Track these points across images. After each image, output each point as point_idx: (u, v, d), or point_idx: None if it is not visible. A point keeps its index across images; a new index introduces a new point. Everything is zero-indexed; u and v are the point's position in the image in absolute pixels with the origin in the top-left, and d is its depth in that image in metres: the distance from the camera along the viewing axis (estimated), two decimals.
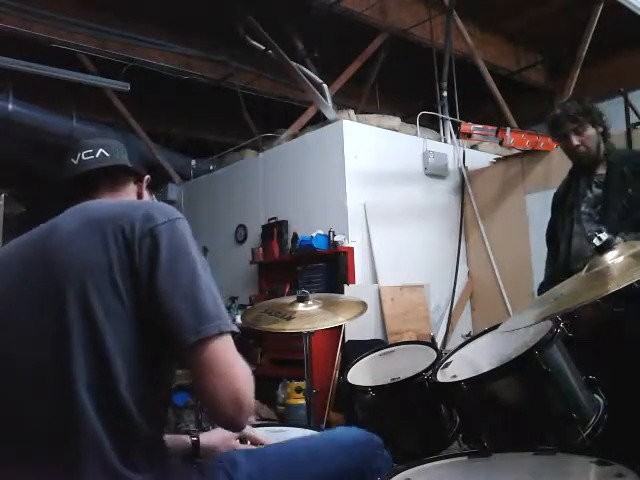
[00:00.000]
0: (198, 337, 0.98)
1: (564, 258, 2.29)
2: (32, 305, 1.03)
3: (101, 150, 1.27)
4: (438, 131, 5.75)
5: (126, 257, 1.01)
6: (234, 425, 1.06)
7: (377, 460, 1.25)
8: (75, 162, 1.26)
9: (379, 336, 4.38)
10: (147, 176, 1.34)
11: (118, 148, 1.31)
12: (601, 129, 2.28)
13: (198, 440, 1.28)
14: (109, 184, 1.26)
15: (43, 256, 1.05)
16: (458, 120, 5.61)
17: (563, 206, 2.38)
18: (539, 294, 2.29)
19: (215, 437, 1.32)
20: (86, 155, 1.26)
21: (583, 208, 2.29)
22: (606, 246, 1.42)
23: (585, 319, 1.83)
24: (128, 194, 1.29)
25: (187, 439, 1.28)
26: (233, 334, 1.04)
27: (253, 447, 1.33)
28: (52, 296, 1.01)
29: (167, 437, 1.11)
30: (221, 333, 1.00)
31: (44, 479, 0.96)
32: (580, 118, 2.24)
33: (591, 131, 2.26)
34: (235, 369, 1.01)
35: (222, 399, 0.99)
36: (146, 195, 1.33)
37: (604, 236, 1.43)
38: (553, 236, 2.42)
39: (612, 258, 1.39)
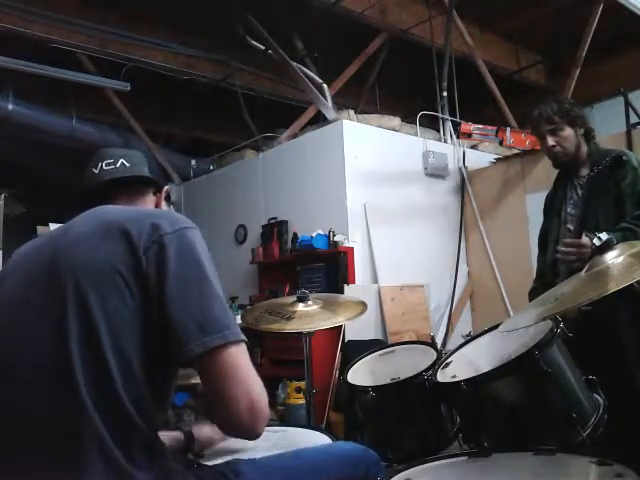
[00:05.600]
0: (204, 348, 0.98)
1: (551, 259, 2.30)
2: (37, 304, 1.04)
3: (122, 160, 1.30)
4: (438, 131, 5.75)
5: (132, 262, 1.01)
6: (251, 434, 1.05)
7: (374, 472, 1.25)
8: (96, 171, 1.28)
9: (379, 336, 4.38)
10: (166, 187, 1.36)
11: (139, 159, 1.34)
12: (582, 130, 2.27)
13: (192, 434, 1.28)
14: (127, 194, 1.28)
15: (52, 256, 1.07)
16: (458, 120, 5.61)
17: (552, 209, 2.39)
18: (530, 296, 2.31)
19: (208, 429, 1.32)
20: (107, 165, 1.28)
21: (569, 209, 2.31)
22: (606, 246, 1.42)
23: (569, 319, 1.84)
24: (146, 204, 1.31)
25: (180, 435, 1.28)
26: (241, 342, 1.03)
27: (252, 455, 1.32)
28: (54, 295, 1.01)
29: (161, 434, 1.11)
30: (229, 343, 1.00)
31: (49, 477, 0.97)
32: (556, 119, 2.24)
33: (568, 132, 2.24)
34: (248, 377, 1.01)
35: (238, 408, 0.99)
36: (164, 206, 1.35)
37: (604, 236, 1.42)
38: (543, 238, 2.43)
39: (612, 258, 1.39)
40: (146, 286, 1.01)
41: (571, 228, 2.25)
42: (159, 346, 1.01)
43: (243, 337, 1.03)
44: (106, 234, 1.05)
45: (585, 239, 1.94)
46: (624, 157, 2.14)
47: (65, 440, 0.95)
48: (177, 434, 1.29)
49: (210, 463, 1.23)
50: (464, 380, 1.50)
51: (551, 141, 2.25)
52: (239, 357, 1.01)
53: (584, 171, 2.28)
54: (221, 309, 1.03)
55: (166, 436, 1.21)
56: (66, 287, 1.01)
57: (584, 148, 2.28)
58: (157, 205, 1.34)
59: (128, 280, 1.00)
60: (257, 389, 1.01)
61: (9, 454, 0.99)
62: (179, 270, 1.02)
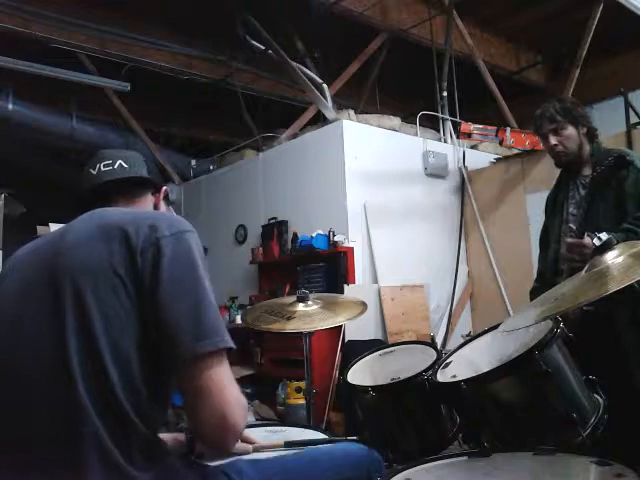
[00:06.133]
0: (193, 353, 0.98)
1: (552, 258, 2.30)
2: (35, 305, 1.04)
3: (120, 162, 1.30)
4: (438, 131, 5.75)
5: (130, 264, 1.02)
6: (218, 448, 1.07)
7: (375, 474, 1.25)
8: (94, 172, 1.28)
9: (379, 336, 4.38)
10: (164, 188, 1.36)
11: (137, 160, 1.33)
12: (584, 129, 2.26)
13: (194, 437, 1.28)
14: (126, 195, 1.28)
15: (51, 258, 1.07)
16: (458, 120, 5.61)
17: (554, 208, 2.39)
18: (531, 296, 2.30)
19: None
20: (105, 166, 1.29)
21: (571, 209, 2.31)
22: (606, 246, 1.42)
23: (570, 319, 1.84)
24: (145, 205, 1.31)
25: (182, 437, 1.28)
26: (229, 350, 1.03)
27: (255, 455, 1.32)
28: (53, 296, 1.02)
29: (163, 435, 1.11)
30: (218, 350, 1.00)
31: (48, 475, 0.97)
32: (559, 118, 2.23)
33: (570, 131, 2.24)
34: (226, 392, 1.01)
35: (208, 421, 0.99)
36: (163, 207, 1.35)
37: (604, 236, 1.42)
38: (544, 237, 2.43)
39: (612, 258, 1.38)
40: (141, 288, 1.01)
41: (574, 227, 2.25)
42: (157, 348, 1.01)
43: (232, 344, 1.03)
44: (104, 236, 1.05)
45: (587, 239, 1.93)
46: (627, 157, 2.13)
47: (64, 439, 0.96)
48: (179, 435, 1.29)
49: (212, 463, 1.23)
50: (464, 380, 1.50)
51: (553, 140, 2.25)
52: (221, 369, 1.01)
53: (586, 171, 2.28)
54: (212, 315, 1.03)
55: (168, 437, 1.21)
56: (64, 288, 1.01)
57: (586, 147, 2.27)
58: (156, 205, 1.34)
59: (125, 281, 1.01)
60: (231, 405, 1.00)
61: (8, 453, 1.00)
62: (174, 273, 1.02)
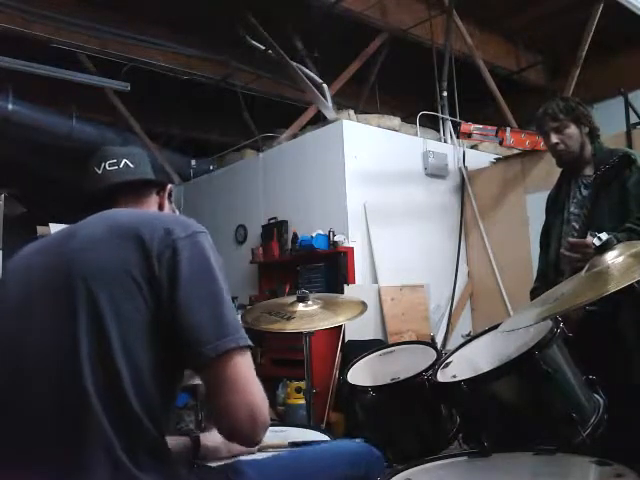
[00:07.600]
0: (217, 351, 0.99)
1: (553, 258, 2.29)
2: (46, 307, 1.03)
3: (125, 160, 1.28)
4: (438, 131, 5.75)
5: (145, 266, 1.02)
6: (249, 441, 1.07)
7: (376, 471, 1.26)
8: (99, 172, 1.27)
9: (379, 336, 4.38)
10: (169, 186, 1.35)
11: (142, 158, 1.33)
12: (587, 129, 2.25)
13: (199, 440, 1.28)
14: (132, 195, 1.27)
15: (61, 260, 1.06)
16: (458, 120, 5.61)
17: (555, 207, 2.38)
18: (531, 296, 2.30)
19: (215, 437, 1.32)
20: (110, 165, 1.27)
21: (572, 209, 2.30)
22: (606, 246, 1.42)
23: (571, 319, 1.83)
24: (150, 205, 1.30)
25: (187, 440, 1.28)
26: (250, 349, 1.04)
27: (255, 456, 1.32)
28: (65, 298, 1.01)
29: (168, 439, 1.11)
30: (239, 348, 1.01)
31: (55, 477, 0.96)
32: (561, 116, 2.22)
33: (572, 130, 2.23)
34: (252, 386, 1.02)
35: (238, 415, 1.00)
36: (167, 205, 1.34)
37: (604, 236, 1.42)
38: (545, 237, 2.42)
39: (612, 258, 1.38)
40: (158, 290, 1.01)
41: (576, 227, 2.24)
42: (169, 350, 1.01)
43: (251, 342, 1.04)
44: (118, 238, 1.05)
45: (589, 239, 1.93)
46: (632, 156, 2.13)
47: (71, 440, 0.96)
48: (184, 439, 1.29)
49: (213, 464, 1.23)
50: (464, 380, 1.50)
51: (555, 139, 2.24)
52: (245, 364, 1.02)
53: (588, 170, 2.27)
54: (231, 314, 1.04)
55: (173, 440, 1.21)
56: (77, 291, 1.01)
57: (588, 147, 2.26)
58: (161, 205, 1.33)
59: (141, 284, 1.01)
60: (258, 398, 1.02)
61: (16, 453, 0.99)
62: (192, 275, 1.02)
